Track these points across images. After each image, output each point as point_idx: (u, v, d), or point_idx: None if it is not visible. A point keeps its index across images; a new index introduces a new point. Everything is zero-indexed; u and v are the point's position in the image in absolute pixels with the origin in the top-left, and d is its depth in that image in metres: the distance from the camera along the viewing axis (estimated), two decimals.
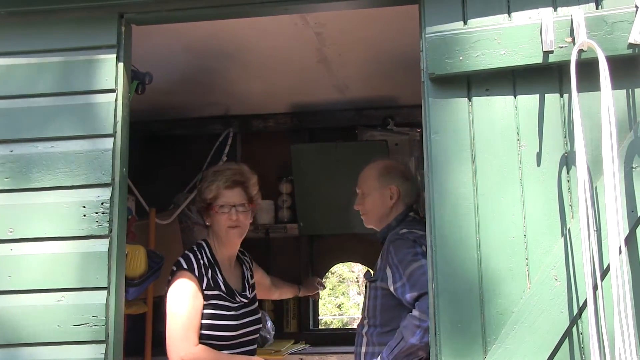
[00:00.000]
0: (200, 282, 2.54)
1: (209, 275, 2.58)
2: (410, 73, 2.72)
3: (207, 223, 2.73)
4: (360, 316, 2.81)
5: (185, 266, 2.55)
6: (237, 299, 2.66)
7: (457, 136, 2.05)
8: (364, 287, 2.94)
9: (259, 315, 2.80)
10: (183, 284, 2.52)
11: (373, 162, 2.84)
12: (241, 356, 2.60)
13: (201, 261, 2.59)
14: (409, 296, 2.37)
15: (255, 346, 2.78)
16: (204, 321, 2.53)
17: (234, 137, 4.26)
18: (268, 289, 3.22)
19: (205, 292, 2.55)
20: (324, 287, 3.83)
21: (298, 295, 3.66)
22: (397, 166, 2.85)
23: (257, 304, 2.81)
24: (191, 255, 2.59)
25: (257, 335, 2.78)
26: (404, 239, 2.51)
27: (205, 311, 2.54)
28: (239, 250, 2.87)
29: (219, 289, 2.60)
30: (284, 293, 3.50)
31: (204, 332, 2.52)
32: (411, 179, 2.81)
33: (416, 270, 2.37)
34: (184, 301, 2.50)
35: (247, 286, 2.78)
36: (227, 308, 2.60)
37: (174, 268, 2.58)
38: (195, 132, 4.36)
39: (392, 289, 2.46)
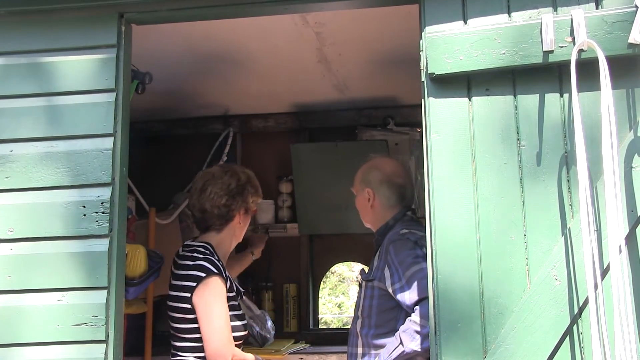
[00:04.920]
0: (226, 285, 2.57)
1: (230, 278, 2.63)
2: (411, 73, 2.72)
3: (235, 225, 2.74)
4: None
5: (215, 270, 2.55)
6: (239, 298, 2.71)
7: (457, 136, 2.05)
8: (357, 285, 2.88)
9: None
10: (219, 289, 2.53)
11: (364, 162, 2.81)
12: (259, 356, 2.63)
13: (218, 264, 2.60)
14: (408, 299, 2.34)
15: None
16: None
17: (234, 137, 4.26)
18: None
19: (228, 294, 2.57)
20: (268, 235, 3.85)
21: (253, 257, 3.48)
22: (379, 168, 2.73)
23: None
24: (214, 259, 2.59)
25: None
26: (404, 240, 2.48)
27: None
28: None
29: (234, 290, 2.64)
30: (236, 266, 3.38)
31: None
32: (389, 182, 2.68)
33: (417, 273, 2.35)
34: (223, 305, 2.52)
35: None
36: (238, 308, 2.64)
37: (202, 274, 2.54)
38: (195, 132, 4.35)
39: (390, 290, 2.43)
